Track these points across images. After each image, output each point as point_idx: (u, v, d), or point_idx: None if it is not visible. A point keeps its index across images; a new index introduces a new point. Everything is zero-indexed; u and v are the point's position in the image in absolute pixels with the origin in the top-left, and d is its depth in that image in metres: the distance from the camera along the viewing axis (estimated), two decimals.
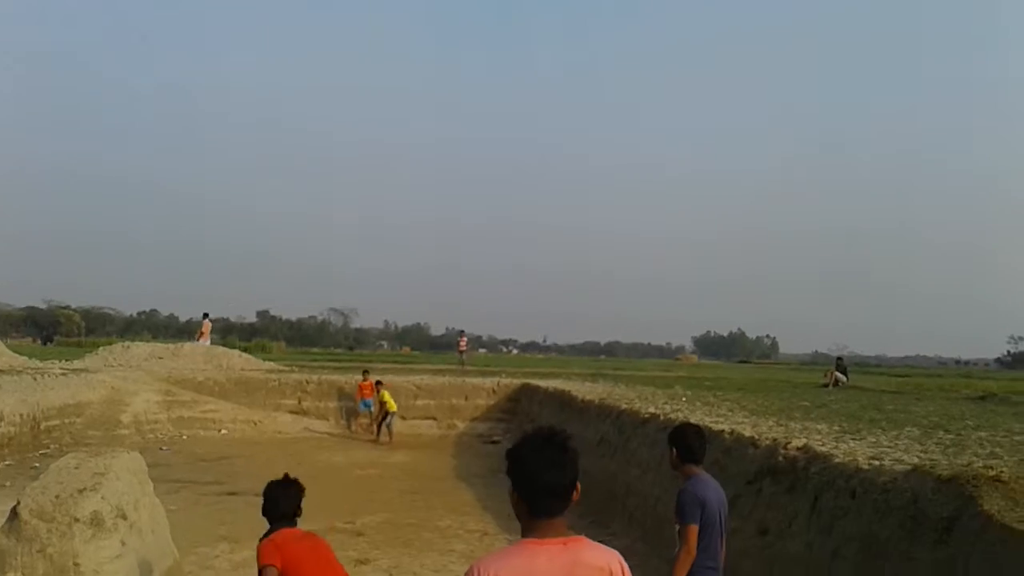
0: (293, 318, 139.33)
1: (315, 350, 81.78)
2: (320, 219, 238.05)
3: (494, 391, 23.66)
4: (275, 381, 23.65)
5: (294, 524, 4.63)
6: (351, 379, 23.28)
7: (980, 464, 6.14)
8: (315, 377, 24.08)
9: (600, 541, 2.61)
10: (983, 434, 8.94)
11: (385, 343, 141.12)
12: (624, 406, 13.58)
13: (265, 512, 4.63)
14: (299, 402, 23.04)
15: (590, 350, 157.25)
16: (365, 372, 23.61)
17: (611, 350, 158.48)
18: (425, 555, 9.64)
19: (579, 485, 2.54)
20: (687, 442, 5.18)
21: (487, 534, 10.98)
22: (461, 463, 17.49)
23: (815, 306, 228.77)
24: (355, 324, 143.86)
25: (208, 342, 30.30)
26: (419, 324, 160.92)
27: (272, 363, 30.40)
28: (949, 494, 5.42)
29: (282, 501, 4.62)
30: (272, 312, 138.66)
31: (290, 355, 50.27)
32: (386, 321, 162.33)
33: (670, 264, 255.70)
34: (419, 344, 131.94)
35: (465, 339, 38.24)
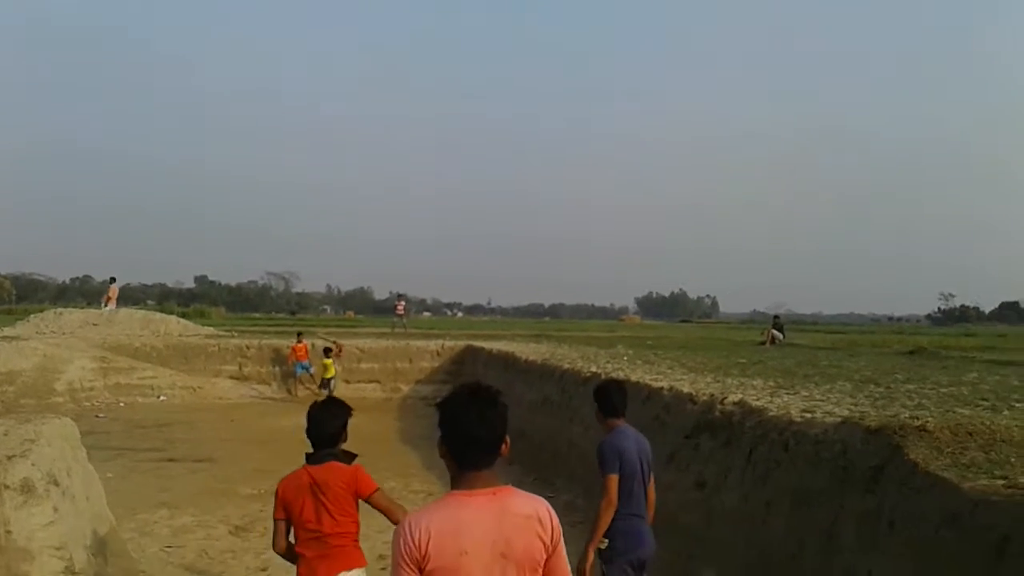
0: (233, 283, 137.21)
1: (257, 315, 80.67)
2: (261, 183, 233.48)
3: (438, 354, 23.65)
4: (214, 346, 23.29)
5: (333, 453, 4.41)
6: (293, 344, 23.02)
7: (907, 415, 6.35)
8: (256, 342, 23.76)
9: (544, 497, 2.63)
10: (912, 387, 9.24)
11: (328, 307, 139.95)
12: (567, 366, 13.71)
13: (308, 434, 4.46)
14: (240, 368, 22.75)
15: (534, 312, 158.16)
16: (299, 335, 23.45)
17: (555, 312, 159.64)
18: (371, 516, 9.60)
19: (508, 439, 2.58)
20: (608, 397, 5.31)
21: (431, 495, 11.04)
22: (405, 426, 17.51)
23: (754, 266, 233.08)
24: (297, 288, 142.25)
25: (114, 307, 29.42)
26: (363, 288, 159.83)
27: (211, 328, 29.90)
28: (877, 444, 5.60)
29: (326, 422, 4.43)
30: (211, 277, 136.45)
31: (230, 320, 49.47)
32: (329, 285, 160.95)
33: (613, 227, 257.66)
34: (363, 308, 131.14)
35: (403, 303, 37.95)
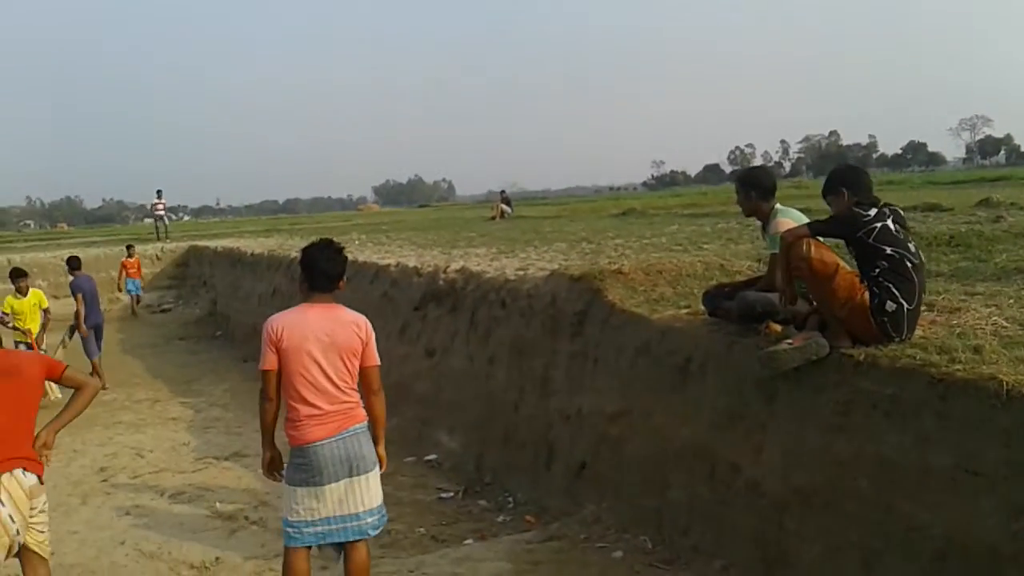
0: None
1: None
2: None
3: (158, 258, 22.01)
4: None
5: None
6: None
7: (606, 262, 6.80)
8: None
9: None
10: (619, 241, 9.91)
11: (31, 222, 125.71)
12: (294, 255, 13.31)
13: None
14: None
15: (269, 209, 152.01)
16: (129, 247, 19.82)
17: (291, 207, 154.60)
18: (88, 431, 8.92)
19: (345, 278, 3.85)
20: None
21: (159, 401, 10.46)
22: (127, 336, 16.35)
23: (486, 149, 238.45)
24: None
25: None
26: (70, 198, 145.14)
27: None
28: (581, 290, 5.96)
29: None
30: None
31: None
32: (29, 198, 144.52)
33: (343, 118, 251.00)
34: (75, 219, 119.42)
35: (163, 203, 29.60)
